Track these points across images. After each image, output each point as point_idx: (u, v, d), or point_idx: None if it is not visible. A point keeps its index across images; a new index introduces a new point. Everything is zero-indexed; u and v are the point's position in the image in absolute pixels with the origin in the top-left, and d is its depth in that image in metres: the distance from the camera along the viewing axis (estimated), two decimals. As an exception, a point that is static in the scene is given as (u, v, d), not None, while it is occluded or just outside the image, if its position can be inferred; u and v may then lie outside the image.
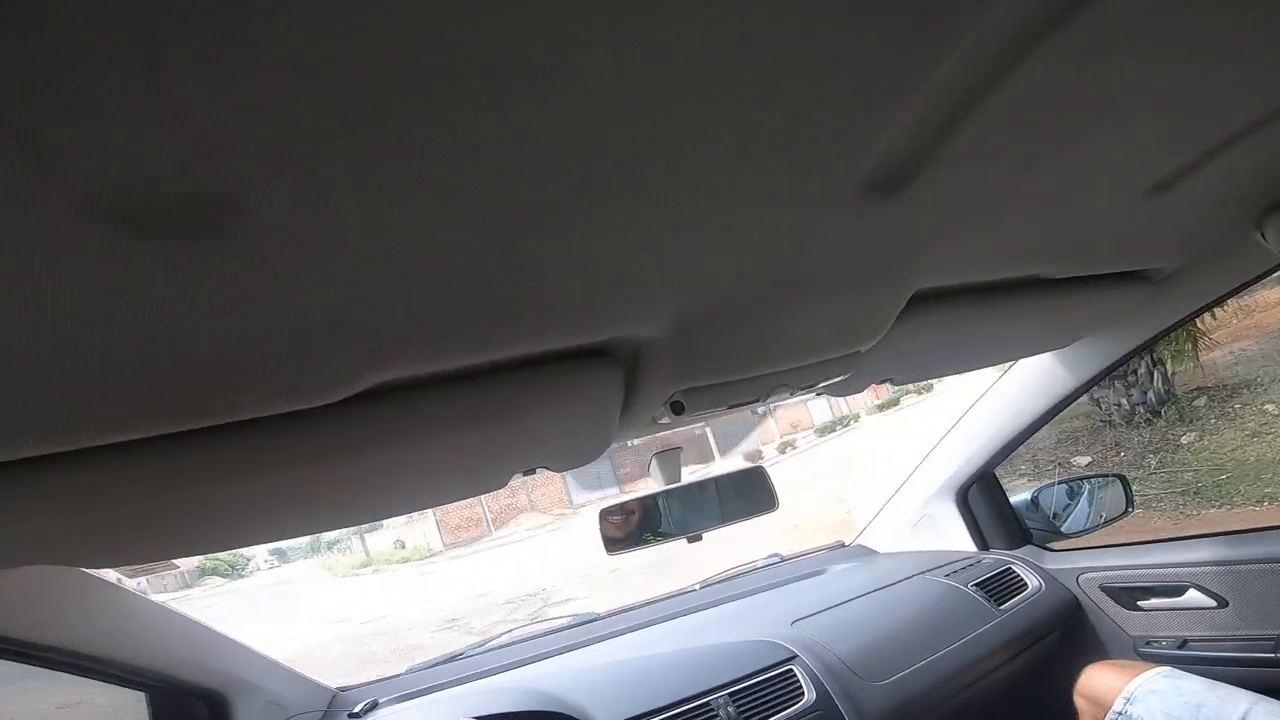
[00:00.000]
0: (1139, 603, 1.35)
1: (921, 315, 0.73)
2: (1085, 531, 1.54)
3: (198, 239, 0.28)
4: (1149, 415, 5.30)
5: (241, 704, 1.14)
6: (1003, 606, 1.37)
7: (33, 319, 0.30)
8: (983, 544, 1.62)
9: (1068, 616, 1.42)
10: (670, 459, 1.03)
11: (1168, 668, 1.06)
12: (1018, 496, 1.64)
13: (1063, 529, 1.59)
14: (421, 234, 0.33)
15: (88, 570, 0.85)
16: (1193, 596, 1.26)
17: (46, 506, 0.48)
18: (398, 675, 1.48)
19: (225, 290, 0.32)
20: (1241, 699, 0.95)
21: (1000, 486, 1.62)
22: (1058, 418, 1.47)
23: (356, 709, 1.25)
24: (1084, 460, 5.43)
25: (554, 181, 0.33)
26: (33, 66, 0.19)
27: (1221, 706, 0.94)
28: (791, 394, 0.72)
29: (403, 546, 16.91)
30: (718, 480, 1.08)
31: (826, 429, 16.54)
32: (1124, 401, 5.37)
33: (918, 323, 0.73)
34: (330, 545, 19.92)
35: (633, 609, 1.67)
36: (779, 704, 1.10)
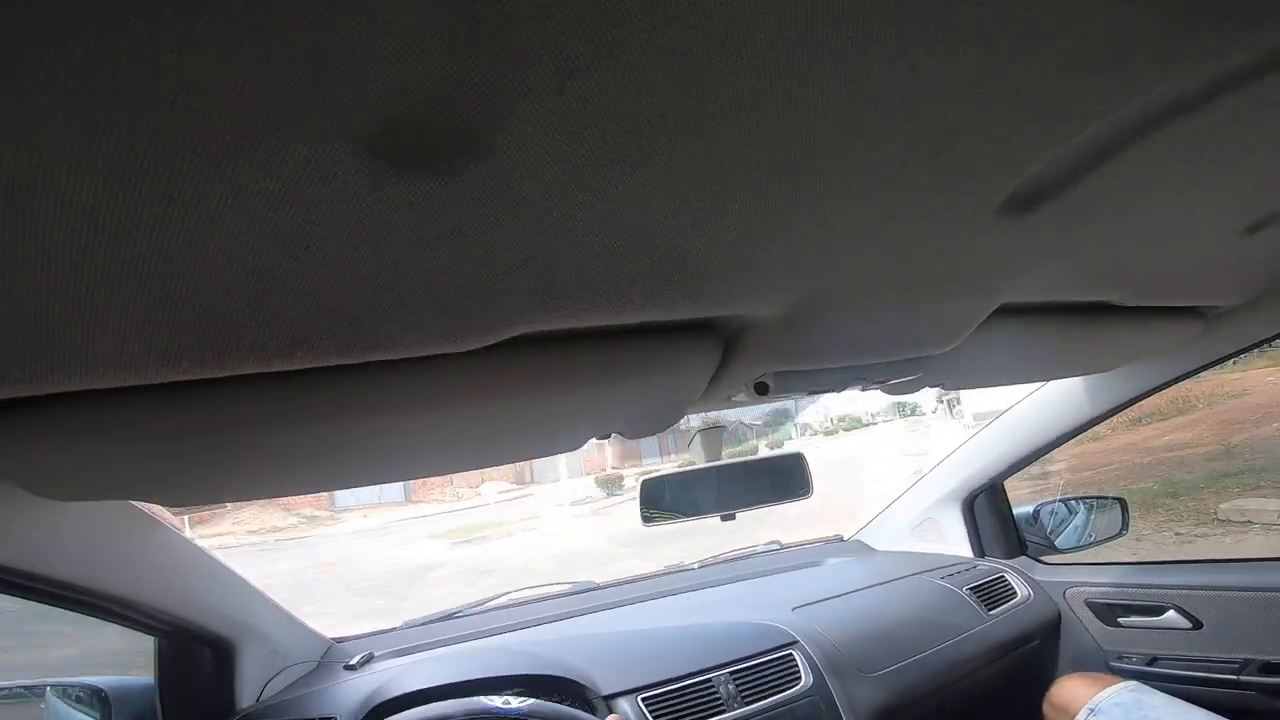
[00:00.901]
0: (1119, 619, 1.40)
1: (998, 326, 0.75)
2: (1078, 548, 1.59)
3: (436, 172, 0.30)
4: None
5: (245, 652, 1.16)
6: (992, 612, 1.42)
7: (240, 235, 0.31)
8: (979, 551, 1.68)
9: (1050, 626, 1.48)
10: (713, 437, 1.06)
11: (1135, 683, 1.12)
12: (1020, 509, 1.69)
13: (1057, 543, 1.65)
14: (609, 198, 0.35)
15: (137, 505, 0.86)
16: (1171, 617, 1.32)
17: (171, 437, 0.49)
18: (394, 629, 1.49)
19: (440, 223, 0.34)
20: (1202, 718, 1.00)
21: (1006, 498, 1.67)
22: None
23: (353, 661, 1.26)
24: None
25: (722, 166, 0.35)
26: None
27: None
28: (864, 388, 0.75)
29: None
30: (757, 462, 1.11)
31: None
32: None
33: (992, 333, 0.75)
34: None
35: (630, 581, 1.69)
36: (777, 686, 1.14)
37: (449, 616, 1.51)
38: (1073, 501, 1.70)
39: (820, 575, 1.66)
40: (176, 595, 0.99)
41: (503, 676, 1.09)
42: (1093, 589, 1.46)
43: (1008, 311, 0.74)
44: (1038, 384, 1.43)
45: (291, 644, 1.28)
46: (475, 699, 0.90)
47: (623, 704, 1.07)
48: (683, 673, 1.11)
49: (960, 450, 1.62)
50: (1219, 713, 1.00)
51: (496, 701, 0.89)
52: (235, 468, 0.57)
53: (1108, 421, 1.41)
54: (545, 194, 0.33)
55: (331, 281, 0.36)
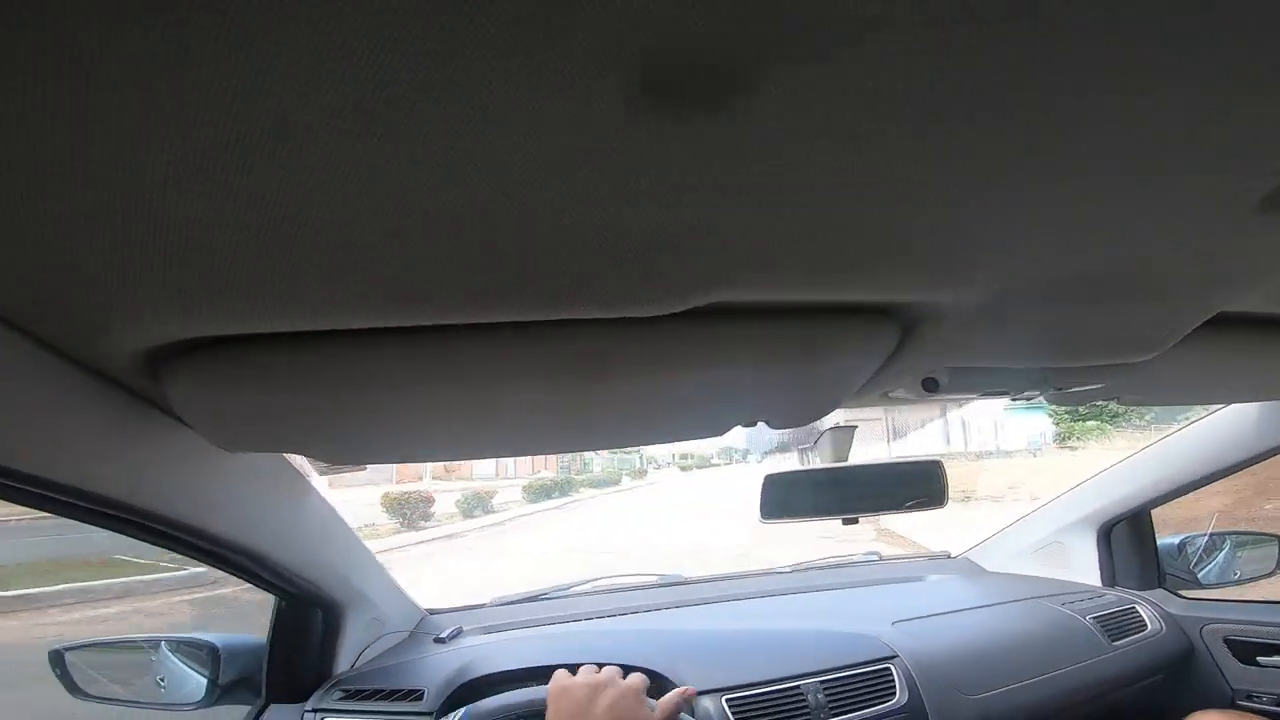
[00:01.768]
0: (1259, 658, 1.31)
1: (1208, 337, 0.65)
2: (1223, 584, 1.50)
3: (695, 111, 0.28)
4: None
5: (352, 617, 1.18)
6: (1117, 643, 1.31)
7: (483, 168, 0.29)
8: (1110, 580, 1.53)
9: (1178, 662, 1.37)
10: (843, 436, 0.98)
11: None
12: (1164, 540, 1.54)
13: (1200, 577, 1.52)
14: (837, 171, 0.33)
15: (292, 463, 0.87)
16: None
17: (348, 387, 0.48)
18: (482, 606, 1.51)
19: (676, 174, 0.31)
20: None
21: (1152, 527, 1.51)
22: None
23: (443, 634, 1.28)
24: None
25: (955, 147, 0.32)
26: None
27: None
28: (1042, 393, 0.67)
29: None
30: (890, 467, 1.03)
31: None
32: None
33: (1200, 344, 0.66)
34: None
35: (720, 579, 1.65)
36: (869, 700, 1.07)
37: (536, 598, 1.52)
38: (1222, 536, 1.57)
39: (924, 591, 1.56)
40: (311, 557, 1.01)
41: (586, 664, 1.07)
42: (1234, 626, 1.35)
43: (1224, 321, 0.64)
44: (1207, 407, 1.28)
45: (391, 612, 1.31)
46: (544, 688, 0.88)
47: (706, 703, 1.03)
48: (771, 677, 1.07)
49: (1104, 474, 1.48)
50: None
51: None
52: (402, 426, 0.56)
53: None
54: (778, 157, 0.32)
55: (556, 225, 0.34)
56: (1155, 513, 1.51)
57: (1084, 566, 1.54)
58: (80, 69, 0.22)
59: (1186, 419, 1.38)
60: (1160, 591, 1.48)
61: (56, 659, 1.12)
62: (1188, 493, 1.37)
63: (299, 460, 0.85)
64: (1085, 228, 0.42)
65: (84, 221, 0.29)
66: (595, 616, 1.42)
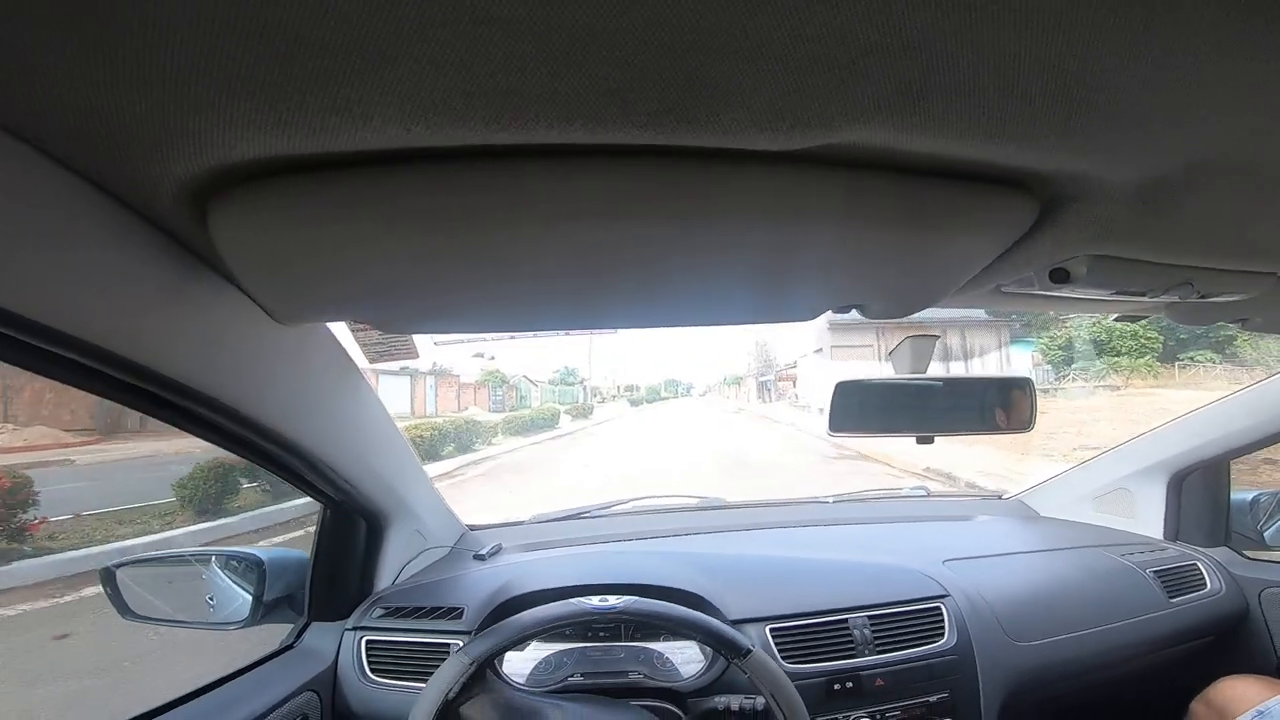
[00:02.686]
0: None
1: None
2: None
3: None
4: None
5: (395, 528, 1.17)
6: (1174, 600, 1.25)
7: None
8: (1174, 534, 1.45)
9: (1231, 624, 1.31)
10: (924, 346, 0.91)
11: None
12: (1238, 495, 1.45)
13: (1267, 537, 1.43)
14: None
15: (351, 358, 0.83)
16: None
17: (420, 216, 0.42)
18: (522, 523, 1.51)
19: None
20: None
21: (1228, 480, 1.42)
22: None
23: (483, 551, 1.28)
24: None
25: None
26: None
27: None
28: (1182, 298, 0.60)
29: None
30: (974, 382, 0.96)
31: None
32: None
33: None
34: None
35: (762, 505, 1.62)
36: (916, 639, 1.04)
37: (576, 515, 1.51)
38: None
39: (975, 530, 1.50)
40: (362, 460, 0.98)
41: (626, 584, 1.05)
42: None
43: None
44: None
45: (434, 527, 1.30)
46: (576, 600, 0.87)
47: (750, 631, 1.01)
48: (817, 609, 1.04)
49: (1182, 419, 1.39)
50: None
51: (594, 601, 0.87)
52: (452, 280, 0.50)
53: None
54: None
55: (665, 19, 0.28)
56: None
57: (1149, 517, 1.47)
58: None
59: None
60: (1224, 550, 1.40)
61: (108, 577, 1.11)
62: (1273, 444, 1.28)
63: (355, 353, 0.81)
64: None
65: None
66: (634, 538, 1.39)
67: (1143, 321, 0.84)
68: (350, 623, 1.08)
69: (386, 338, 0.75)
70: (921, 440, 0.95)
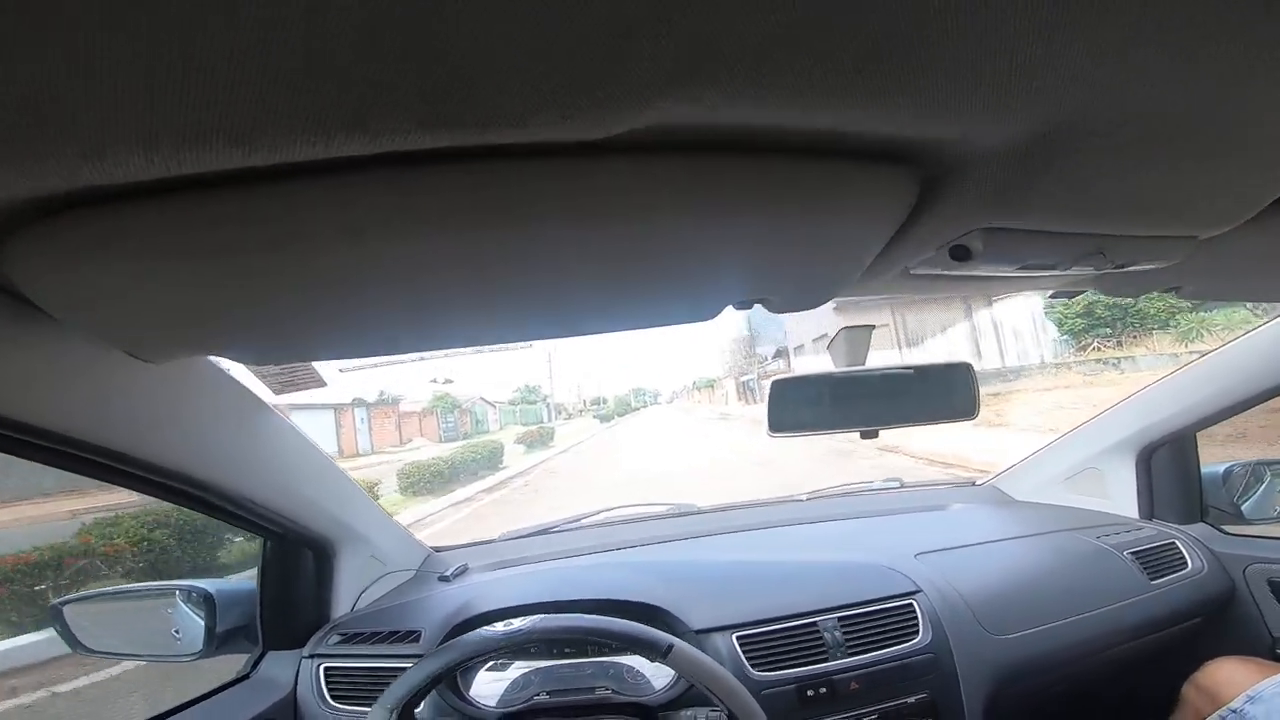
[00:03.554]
0: None
1: None
2: (1268, 519, 1.38)
3: None
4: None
5: (346, 555, 1.15)
6: (1155, 581, 1.22)
7: None
8: (1148, 513, 1.43)
9: (1218, 604, 1.28)
10: (859, 337, 0.89)
11: None
12: (1209, 468, 1.43)
13: (1244, 510, 1.40)
14: None
15: (249, 389, 0.81)
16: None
17: (236, 249, 0.39)
18: (490, 541, 1.50)
19: None
20: None
21: (1197, 454, 1.40)
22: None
23: (448, 572, 1.26)
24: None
25: None
26: None
27: None
28: (1097, 269, 0.57)
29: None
30: (912, 370, 0.94)
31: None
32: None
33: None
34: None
35: (734, 508, 1.61)
36: (889, 638, 1.02)
37: (545, 531, 1.49)
38: (1271, 464, 1.43)
39: (949, 520, 1.48)
40: (285, 490, 0.97)
41: (588, 600, 1.04)
42: None
43: None
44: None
45: (391, 551, 1.27)
46: (478, 631, 0.83)
47: (716, 641, 0.99)
48: (785, 613, 1.02)
49: (1145, 392, 1.36)
50: None
51: (499, 628, 0.83)
52: (302, 304, 0.47)
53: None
54: None
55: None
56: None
57: (1122, 496, 1.44)
58: None
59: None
60: (1202, 526, 1.38)
61: (55, 614, 1.10)
62: (1240, 412, 1.26)
63: (253, 384, 0.78)
64: (1175, 54, 0.33)
65: None
66: (605, 550, 1.37)
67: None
68: (307, 650, 1.06)
69: (285, 368, 0.72)
70: (865, 435, 0.93)
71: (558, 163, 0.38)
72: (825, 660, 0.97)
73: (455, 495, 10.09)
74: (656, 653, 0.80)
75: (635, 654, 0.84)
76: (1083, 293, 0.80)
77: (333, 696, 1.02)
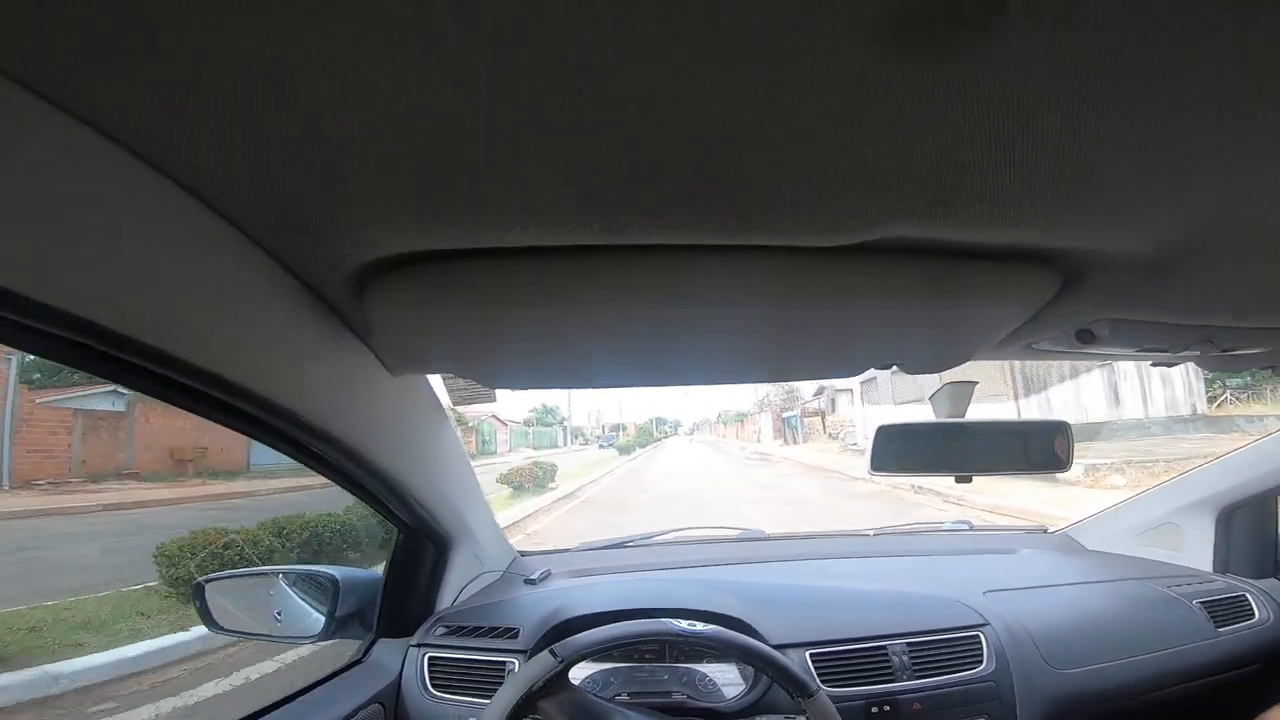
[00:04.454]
0: None
1: None
2: None
3: (952, 58, 0.29)
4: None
5: (458, 551, 1.25)
6: (1221, 629, 1.23)
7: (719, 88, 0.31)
8: (1223, 567, 1.43)
9: (1278, 653, 1.27)
10: (962, 391, 0.96)
11: None
12: None
13: None
14: (1044, 115, 0.34)
15: (437, 394, 0.92)
16: None
17: (524, 303, 0.51)
18: (569, 550, 1.58)
19: (909, 103, 0.32)
20: None
21: (1276, 512, 1.41)
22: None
23: (534, 576, 1.34)
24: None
25: (1162, 84, 0.32)
26: None
27: None
28: (1204, 354, 0.63)
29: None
30: (1011, 425, 1.00)
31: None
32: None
33: None
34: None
35: (801, 537, 1.65)
36: (954, 665, 1.06)
37: (620, 545, 1.56)
38: None
39: (1018, 563, 1.50)
40: (436, 487, 1.06)
41: (674, 608, 1.09)
42: None
43: None
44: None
45: (490, 551, 1.37)
46: (664, 620, 0.91)
47: (791, 655, 1.04)
48: (856, 634, 1.07)
49: (1232, 455, 1.39)
50: None
51: (683, 624, 0.90)
52: (552, 347, 0.58)
53: None
54: (992, 100, 0.33)
55: (748, 148, 0.36)
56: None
57: (1196, 551, 1.45)
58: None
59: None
60: (1272, 581, 1.38)
61: (198, 591, 1.21)
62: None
63: (441, 391, 0.90)
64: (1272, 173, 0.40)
65: (303, 144, 0.34)
66: (678, 566, 1.44)
67: None
68: (415, 639, 1.15)
69: (471, 384, 0.84)
70: (960, 479, 0.98)
71: (780, 260, 0.48)
72: (892, 681, 1.02)
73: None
74: (803, 693, 0.85)
75: (782, 686, 0.88)
76: (1182, 363, 0.85)
77: (434, 685, 1.09)
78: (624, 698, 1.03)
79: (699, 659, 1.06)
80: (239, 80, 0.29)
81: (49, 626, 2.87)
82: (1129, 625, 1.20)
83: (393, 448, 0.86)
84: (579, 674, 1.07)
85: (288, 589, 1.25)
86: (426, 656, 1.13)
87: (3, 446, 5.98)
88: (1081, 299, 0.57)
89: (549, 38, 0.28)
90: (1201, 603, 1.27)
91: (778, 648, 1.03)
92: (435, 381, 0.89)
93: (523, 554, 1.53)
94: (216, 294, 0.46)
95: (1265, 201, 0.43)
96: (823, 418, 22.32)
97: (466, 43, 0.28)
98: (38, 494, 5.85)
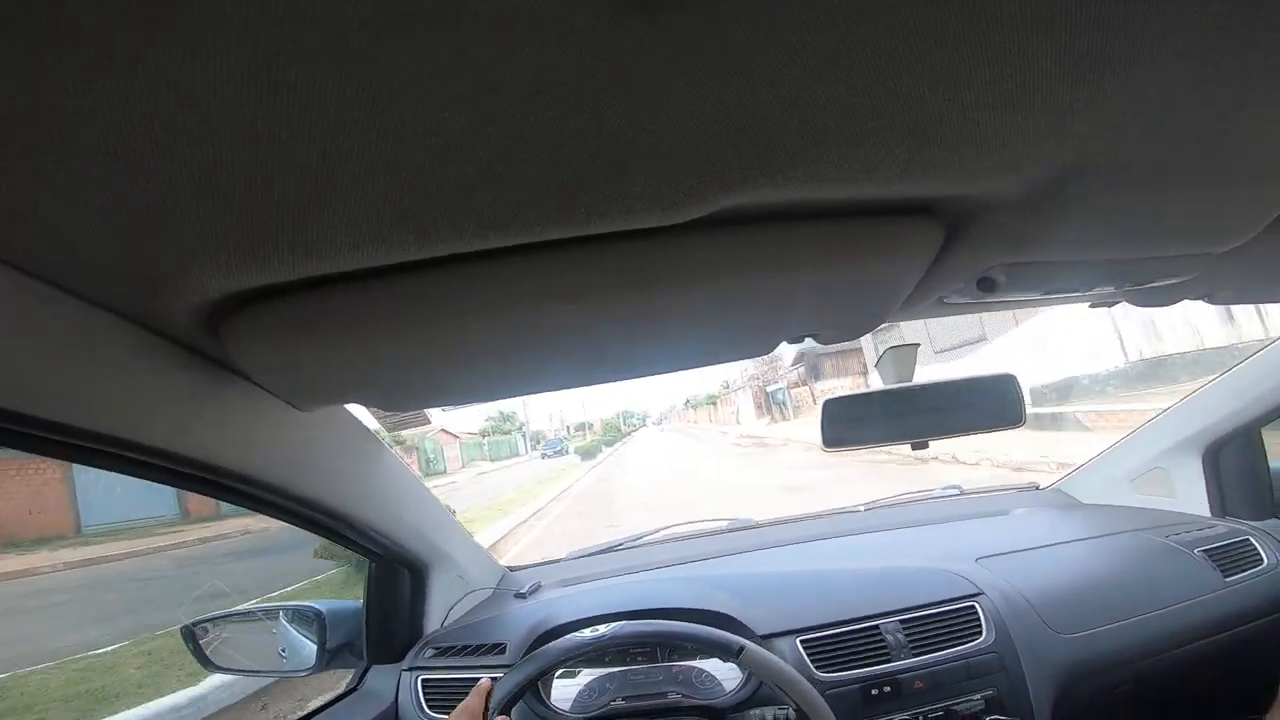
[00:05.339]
0: None
1: None
2: None
3: (681, 11, 0.28)
4: None
5: (437, 574, 1.26)
6: (1229, 579, 1.20)
7: (478, 75, 0.30)
8: (1220, 510, 1.40)
9: None
10: (905, 355, 0.95)
11: None
12: (1276, 462, 1.39)
13: None
14: (849, 56, 0.33)
15: (365, 426, 0.92)
16: None
17: (387, 326, 0.50)
18: (560, 560, 1.58)
19: (674, 73, 0.32)
20: None
21: (1263, 448, 1.37)
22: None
23: (523, 590, 1.35)
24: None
25: (983, 16, 0.31)
26: None
27: None
28: (1118, 289, 0.62)
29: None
30: (958, 384, 0.98)
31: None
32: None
33: None
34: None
35: (792, 521, 1.64)
36: (952, 639, 1.04)
37: (611, 549, 1.57)
38: None
39: (1011, 525, 1.48)
40: (392, 516, 1.07)
41: (657, 609, 1.10)
42: None
43: None
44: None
45: (473, 570, 1.37)
46: (569, 637, 0.92)
47: (781, 645, 1.04)
48: (845, 617, 1.06)
49: (1208, 388, 1.35)
50: None
51: (586, 633, 0.91)
52: (452, 359, 0.58)
53: None
54: (778, 45, 0.32)
55: (555, 137, 0.35)
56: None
57: (1191, 495, 1.42)
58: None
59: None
60: (1274, 521, 1.34)
61: (188, 634, 1.23)
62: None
63: (369, 421, 0.91)
64: (1157, 102, 0.39)
65: (116, 180, 0.33)
66: (669, 565, 1.44)
67: None
68: (405, 664, 1.16)
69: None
70: (916, 446, 0.97)
71: (648, 242, 0.48)
72: (889, 660, 1.01)
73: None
74: (729, 654, 0.86)
75: (710, 656, 0.91)
76: (1119, 303, 0.84)
77: (429, 706, 1.10)
78: (619, 703, 1.03)
79: (693, 655, 1.06)
80: (28, 134, 0.29)
81: None
82: (1131, 582, 1.18)
83: (328, 482, 0.87)
84: (577, 684, 1.07)
85: (279, 624, 1.27)
86: (419, 679, 1.13)
87: None
88: (973, 248, 0.56)
89: (284, 82, 0.28)
90: (1204, 551, 1.24)
91: (766, 638, 1.05)
92: (363, 413, 0.89)
93: (511, 569, 1.54)
94: (40, 350, 0.44)
95: (1123, 121, 0.42)
96: (811, 388, 20.93)
97: (217, 89, 0.28)
98: None
